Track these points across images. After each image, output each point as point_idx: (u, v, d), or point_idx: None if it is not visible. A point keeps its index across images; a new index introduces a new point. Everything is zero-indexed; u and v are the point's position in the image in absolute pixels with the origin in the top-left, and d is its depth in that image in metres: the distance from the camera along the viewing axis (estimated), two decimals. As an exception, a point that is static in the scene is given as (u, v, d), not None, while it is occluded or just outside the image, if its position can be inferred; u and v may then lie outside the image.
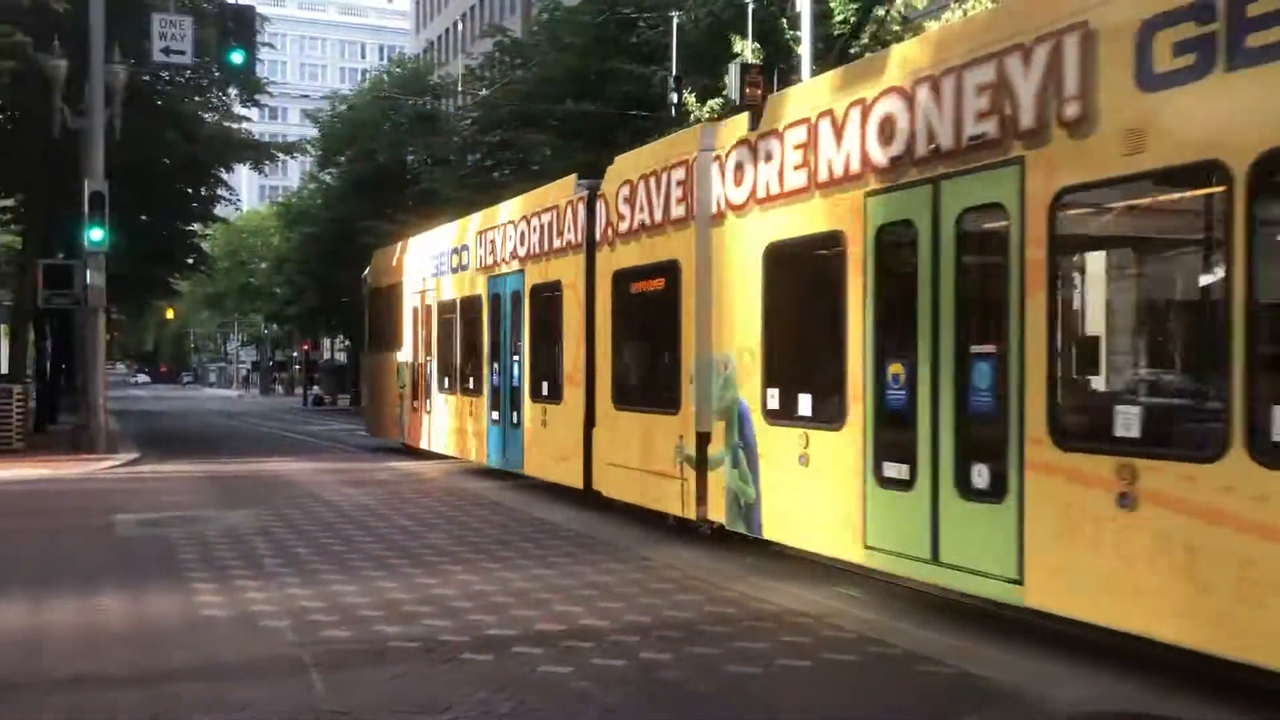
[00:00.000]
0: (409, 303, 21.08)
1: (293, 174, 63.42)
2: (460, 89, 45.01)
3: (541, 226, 14.62)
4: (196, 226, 36.46)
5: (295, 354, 74.53)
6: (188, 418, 43.40)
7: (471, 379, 17.38)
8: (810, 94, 9.43)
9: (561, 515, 12.79)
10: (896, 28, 21.36)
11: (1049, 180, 6.61)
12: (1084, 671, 6.57)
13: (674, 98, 23.98)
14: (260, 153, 31.26)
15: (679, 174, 10.93)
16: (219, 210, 35.24)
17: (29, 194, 26.96)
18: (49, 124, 21.10)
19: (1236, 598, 5.51)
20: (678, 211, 10.96)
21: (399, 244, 22.94)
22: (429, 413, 19.73)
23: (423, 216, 31.00)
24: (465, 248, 18.00)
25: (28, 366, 29.81)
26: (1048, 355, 6.61)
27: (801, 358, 9.45)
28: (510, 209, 16.28)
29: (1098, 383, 6.92)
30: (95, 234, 20.16)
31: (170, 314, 72.89)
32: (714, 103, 22.97)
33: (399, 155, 44.26)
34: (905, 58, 8.19)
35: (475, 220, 17.82)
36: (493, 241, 16.63)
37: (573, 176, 14.23)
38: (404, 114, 44.98)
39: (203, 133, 27.94)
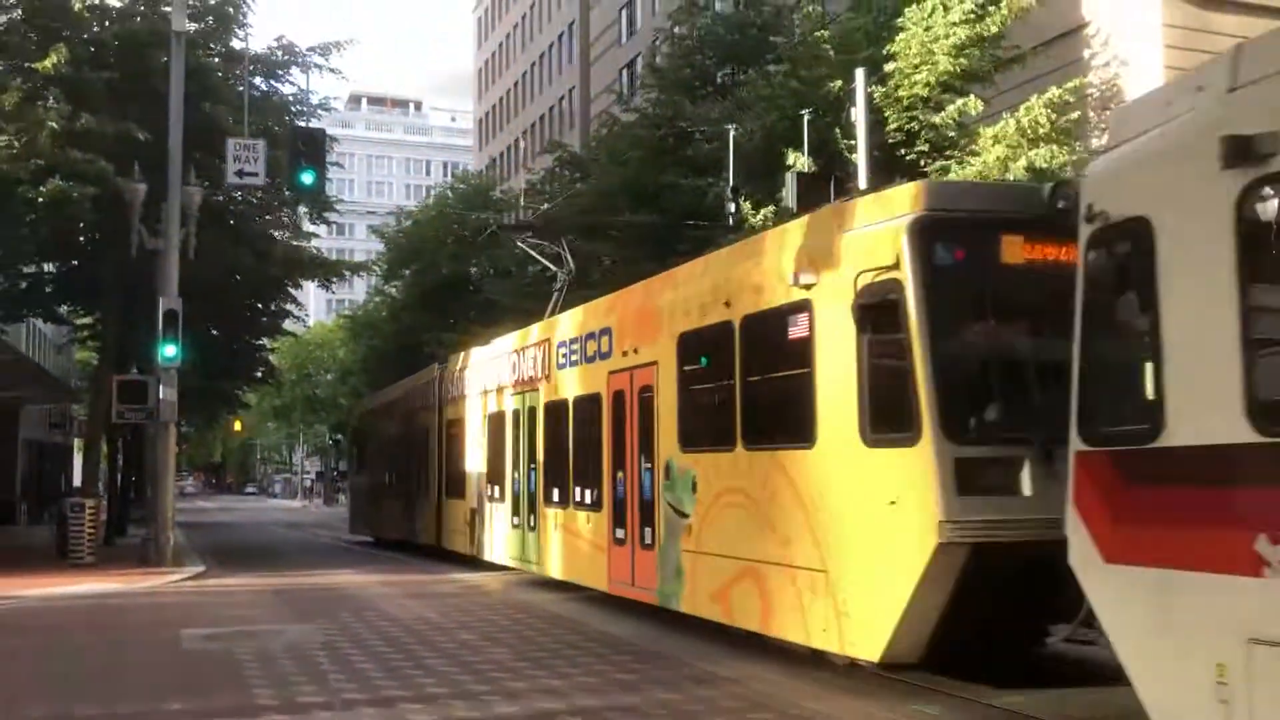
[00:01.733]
0: (371, 438, 33.30)
1: (358, 287, 64.95)
2: (521, 203, 46.03)
3: (419, 392, 26.38)
4: (265, 341, 37.31)
5: (359, 464, 75.21)
6: (252, 529, 43.76)
7: (397, 486, 28.73)
8: (481, 351, 21.27)
9: (625, 629, 12.60)
10: (952, 134, 21.53)
11: (546, 398, 16.53)
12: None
13: (731, 208, 24.29)
14: (329, 270, 32.02)
15: (431, 383, 24.84)
16: (287, 324, 36.05)
17: (106, 312, 27.85)
18: (127, 245, 21.91)
19: (570, 554, 15.42)
20: (431, 400, 24.53)
21: (368, 399, 37.67)
22: (382, 512, 30.62)
23: (485, 326, 31.47)
24: (393, 403, 30.24)
25: (99, 480, 30.40)
26: (528, 465, 17.36)
27: (496, 470, 19.29)
28: (411, 380, 28.56)
29: (547, 478, 16.52)
30: (168, 350, 20.69)
31: (238, 427, 74.18)
32: (767, 211, 23.21)
33: (462, 267, 45.17)
34: (514, 340, 18.85)
35: (400, 385, 30.16)
36: (403, 399, 28.62)
37: (435, 364, 26.27)
38: (467, 228, 46.05)
39: (273, 251, 28.73)
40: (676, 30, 32.88)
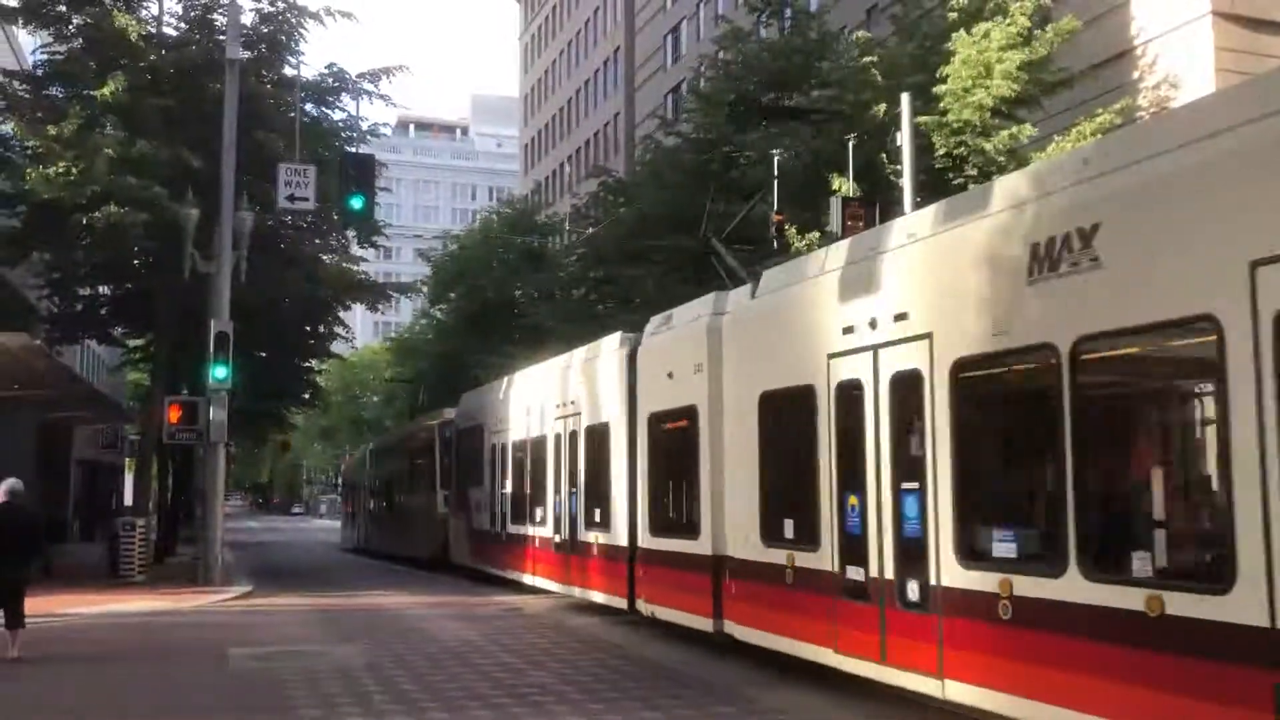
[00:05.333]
0: (345, 487, 55.62)
1: (404, 310, 65.65)
2: (566, 227, 46.29)
3: (357, 462, 49.97)
4: (313, 362, 37.72)
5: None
6: (297, 549, 44.20)
7: (354, 516, 47.49)
8: (374, 443, 47.10)
9: (666, 654, 12.55)
10: (1001, 159, 21.39)
11: (391, 476, 37.96)
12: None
13: (773, 229, 24.21)
14: (376, 293, 32.34)
15: (363, 456, 47.77)
16: (334, 346, 36.43)
17: (158, 334, 28.32)
18: (180, 268, 22.29)
19: (391, 539, 36.51)
20: (356, 466, 50.51)
21: (349, 461, 57.85)
22: (350, 530, 47.47)
23: (529, 349, 31.61)
24: (352, 466, 52.48)
25: (150, 499, 30.84)
26: (381, 499, 40.19)
27: (373, 508, 42.08)
28: (357, 453, 54.91)
29: (373, 506, 41.84)
30: (219, 372, 20.99)
31: (287, 447, 75.03)
32: (812, 237, 23.13)
33: (507, 291, 45.47)
34: (371, 446, 47.03)
35: (354, 455, 55.18)
36: (353, 465, 52.24)
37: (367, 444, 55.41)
38: (512, 251, 46.37)
39: (322, 275, 29.07)
40: (721, 56, 32.98)
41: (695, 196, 29.66)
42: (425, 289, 48.79)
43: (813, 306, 10.14)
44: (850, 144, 21.91)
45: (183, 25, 26.44)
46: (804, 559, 9.98)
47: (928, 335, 8.22)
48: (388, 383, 67.62)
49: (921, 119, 20.90)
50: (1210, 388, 6.14)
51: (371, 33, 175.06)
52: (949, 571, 7.88)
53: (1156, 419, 7.15)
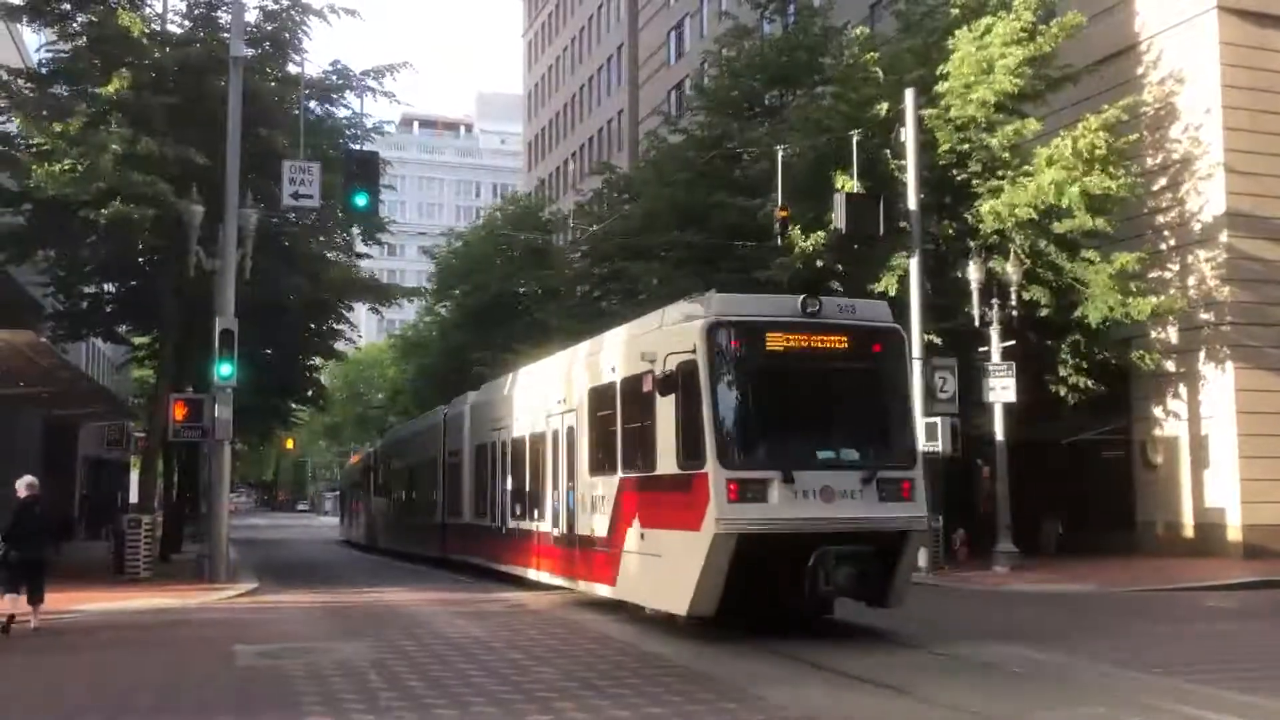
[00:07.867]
0: (342, 491, 63.10)
1: (408, 307, 65.73)
2: (571, 224, 46.31)
3: (346, 473, 60.91)
4: (317, 360, 37.71)
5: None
6: (303, 546, 44.27)
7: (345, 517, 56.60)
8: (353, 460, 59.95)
9: (672, 650, 12.55)
10: (1005, 155, 21.36)
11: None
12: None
13: (778, 226, 24.22)
14: (380, 294, 32.29)
15: (351, 467, 57.72)
16: (338, 345, 36.45)
17: (163, 331, 28.33)
18: (185, 265, 22.30)
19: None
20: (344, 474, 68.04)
21: (347, 469, 63.27)
22: (345, 527, 52.75)
23: (533, 346, 31.63)
24: (349, 468, 57.53)
25: (156, 496, 30.89)
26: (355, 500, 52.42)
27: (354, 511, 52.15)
28: (348, 466, 64.26)
29: (349, 503, 55.28)
30: (224, 369, 21.01)
31: (290, 444, 75.17)
32: (817, 237, 23.10)
33: (511, 288, 45.49)
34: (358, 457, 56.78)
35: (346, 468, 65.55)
36: (344, 475, 65.80)
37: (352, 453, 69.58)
38: (516, 248, 46.37)
39: (326, 274, 29.02)
40: (725, 52, 32.97)
41: (699, 193, 29.72)
42: (429, 290, 48.76)
43: (486, 413, 23.04)
44: (854, 140, 21.92)
45: (186, 23, 26.42)
46: (480, 519, 22.79)
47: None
48: (392, 380, 67.74)
49: (924, 112, 20.88)
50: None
51: (375, 30, 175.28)
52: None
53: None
